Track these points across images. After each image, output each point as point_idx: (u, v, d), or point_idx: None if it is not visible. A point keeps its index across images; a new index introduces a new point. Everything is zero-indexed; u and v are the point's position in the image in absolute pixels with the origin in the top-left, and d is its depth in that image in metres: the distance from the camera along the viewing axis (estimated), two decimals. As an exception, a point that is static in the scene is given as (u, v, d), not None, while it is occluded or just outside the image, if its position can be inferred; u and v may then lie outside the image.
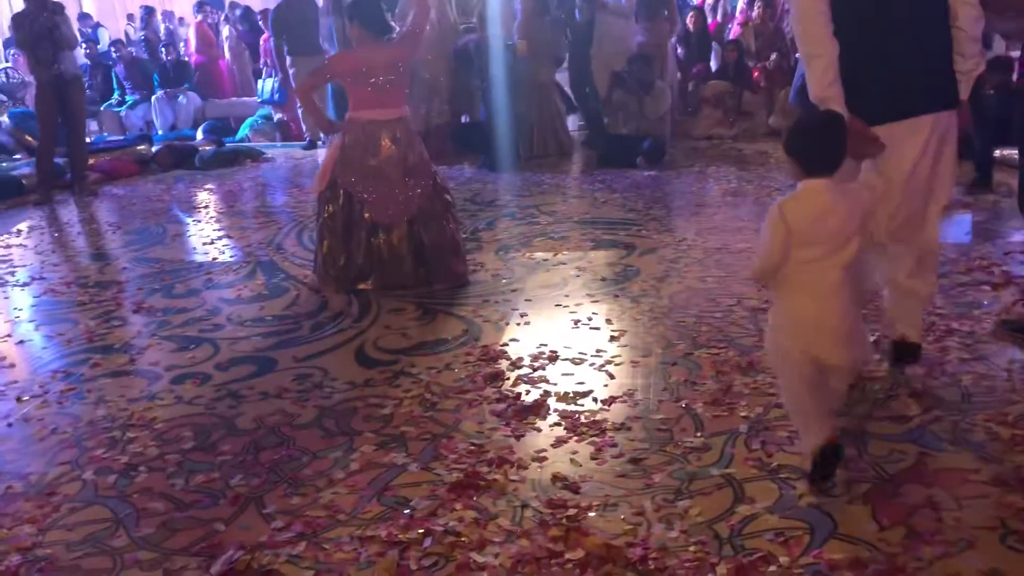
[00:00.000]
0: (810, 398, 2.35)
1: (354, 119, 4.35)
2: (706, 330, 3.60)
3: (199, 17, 12.11)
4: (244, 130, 10.41)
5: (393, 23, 4.40)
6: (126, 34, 13.23)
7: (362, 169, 4.31)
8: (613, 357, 3.38)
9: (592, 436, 2.76)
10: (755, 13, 9.45)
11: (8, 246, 5.91)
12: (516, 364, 3.37)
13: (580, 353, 3.44)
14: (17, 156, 9.40)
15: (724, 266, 4.43)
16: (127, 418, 3.14)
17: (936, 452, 2.57)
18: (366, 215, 4.33)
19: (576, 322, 3.79)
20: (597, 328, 3.71)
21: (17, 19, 7.21)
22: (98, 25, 13.73)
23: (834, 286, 2.27)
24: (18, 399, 3.37)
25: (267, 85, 10.27)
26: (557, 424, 2.86)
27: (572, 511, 2.35)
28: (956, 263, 4.23)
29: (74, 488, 2.66)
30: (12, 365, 3.76)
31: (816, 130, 2.38)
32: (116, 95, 11.10)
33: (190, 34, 12.24)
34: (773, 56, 8.85)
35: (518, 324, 3.82)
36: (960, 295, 3.83)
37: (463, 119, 8.35)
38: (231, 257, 5.27)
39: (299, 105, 4.47)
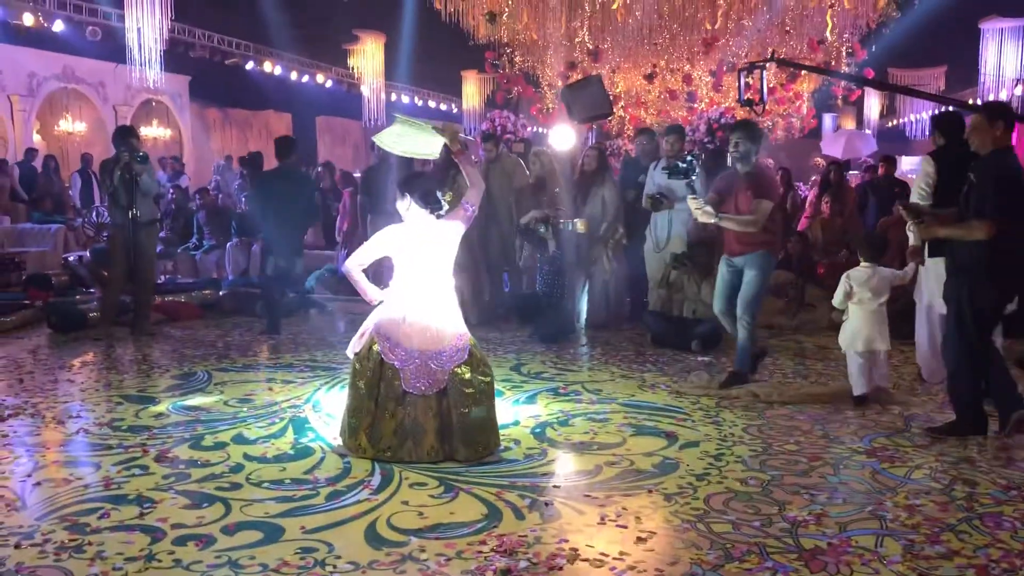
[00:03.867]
0: None
1: (396, 288, 4.39)
2: (741, 541, 3.33)
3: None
4: (311, 281, 10.66)
5: (444, 200, 4.47)
6: (211, 181, 14.00)
7: (398, 336, 4.29)
8: (636, 563, 3.14)
9: (599, 656, 2.51)
10: (824, 207, 9.48)
11: (56, 380, 6.00)
12: (532, 561, 3.15)
13: (602, 554, 3.20)
14: (92, 290, 9.78)
15: (769, 468, 4.17)
16: (119, 579, 3.01)
17: None
18: (396, 382, 4.26)
19: (603, 518, 3.56)
20: (624, 526, 3.48)
21: (105, 166, 7.64)
22: (179, 173, 14.59)
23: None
24: (16, 546, 3.27)
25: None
26: (563, 638, 2.61)
27: None
28: None
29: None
30: (21, 508, 3.68)
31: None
32: (194, 239, 11.57)
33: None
34: (843, 252, 8.79)
35: (541, 513, 3.61)
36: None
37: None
38: (267, 411, 5.22)
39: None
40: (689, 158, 5.84)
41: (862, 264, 5.44)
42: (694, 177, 5.67)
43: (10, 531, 3.41)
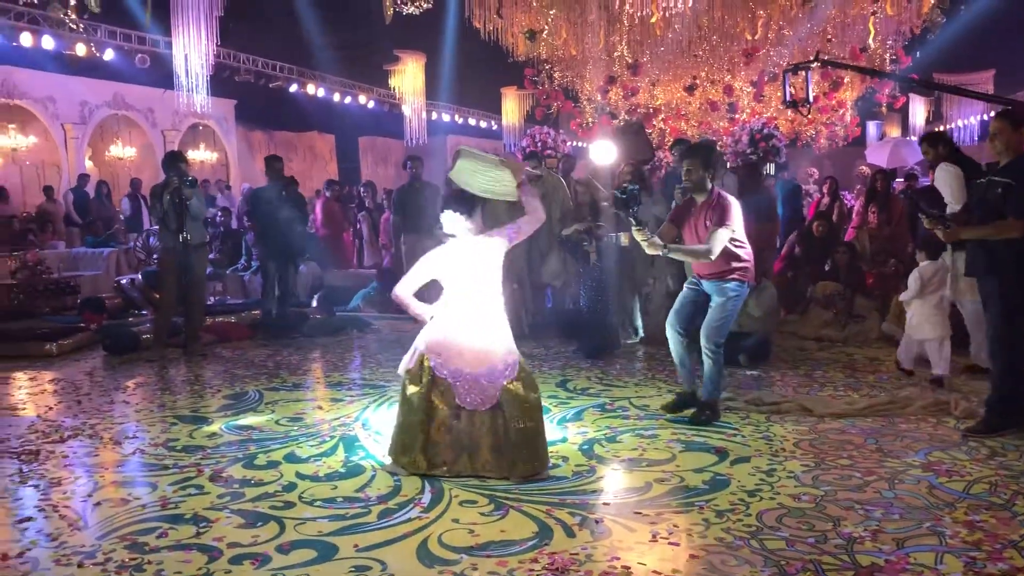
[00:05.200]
0: None
1: (445, 306, 4.43)
2: (795, 558, 3.29)
3: (328, 193, 12.90)
4: (356, 300, 10.78)
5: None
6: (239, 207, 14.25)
7: (448, 354, 4.33)
8: (689, 580, 3.12)
9: (655, 675, 2.49)
10: (871, 217, 9.35)
11: (112, 402, 6.14)
12: (583, 578, 3.15)
13: (654, 572, 3.18)
14: (144, 312, 9.98)
15: (822, 484, 4.11)
16: (178, 598, 3.06)
17: None
18: (449, 397, 4.31)
19: (654, 535, 3.54)
20: (676, 544, 3.45)
21: (155, 191, 7.81)
22: (214, 197, 14.85)
23: None
24: (79, 565, 3.35)
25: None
26: (618, 657, 2.60)
27: None
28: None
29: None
30: (83, 527, 3.77)
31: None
32: (243, 260, 11.76)
33: (318, 208, 13.00)
34: (891, 261, 8.66)
35: (592, 531, 3.61)
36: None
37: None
38: (318, 430, 5.28)
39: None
40: (630, 187, 5.18)
41: (927, 262, 6.08)
42: (636, 207, 5.01)
43: (73, 550, 3.50)
